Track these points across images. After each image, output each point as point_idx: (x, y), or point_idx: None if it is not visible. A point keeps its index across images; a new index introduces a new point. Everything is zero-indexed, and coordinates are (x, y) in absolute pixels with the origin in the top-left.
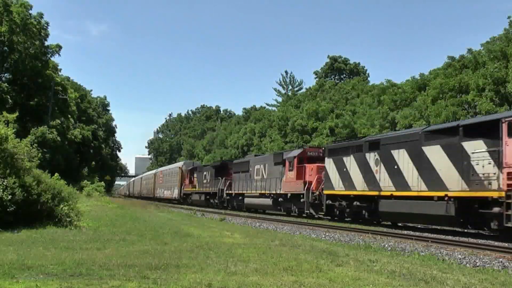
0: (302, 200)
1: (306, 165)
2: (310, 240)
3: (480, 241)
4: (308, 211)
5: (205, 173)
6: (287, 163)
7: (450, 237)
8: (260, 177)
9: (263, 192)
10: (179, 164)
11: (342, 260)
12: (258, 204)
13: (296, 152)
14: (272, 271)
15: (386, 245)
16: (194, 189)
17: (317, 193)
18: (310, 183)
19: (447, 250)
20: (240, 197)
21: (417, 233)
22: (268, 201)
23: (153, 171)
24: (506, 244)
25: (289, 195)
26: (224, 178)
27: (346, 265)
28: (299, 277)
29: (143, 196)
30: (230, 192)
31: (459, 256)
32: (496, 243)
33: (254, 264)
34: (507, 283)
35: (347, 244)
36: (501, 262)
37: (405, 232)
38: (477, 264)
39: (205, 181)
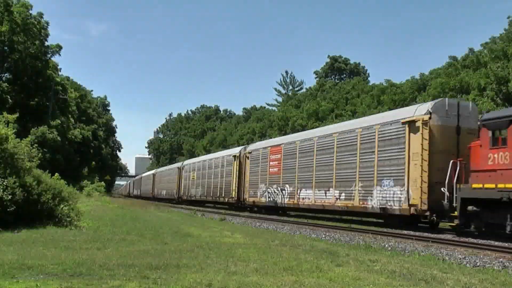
0: None
1: None
2: (310, 240)
3: (480, 241)
4: None
5: None
6: None
7: (450, 237)
8: None
9: None
10: (423, 107)
11: (342, 260)
12: None
13: None
14: (272, 271)
15: (387, 245)
16: None
17: None
18: None
19: (447, 250)
20: None
21: (417, 233)
22: None
23: (236, 149)
24: (506, 244)
25: None
26: None
27: (346, 265)
28: (299, 277)
29: (186, 199)
30: None
31: (459, 256)
32: (496, 243)
33: (254, 264)
34: (507, 283)
35: (347, 244)
36: (501, 262)
37: (405, 232)
38: (477, 264)
39: None
